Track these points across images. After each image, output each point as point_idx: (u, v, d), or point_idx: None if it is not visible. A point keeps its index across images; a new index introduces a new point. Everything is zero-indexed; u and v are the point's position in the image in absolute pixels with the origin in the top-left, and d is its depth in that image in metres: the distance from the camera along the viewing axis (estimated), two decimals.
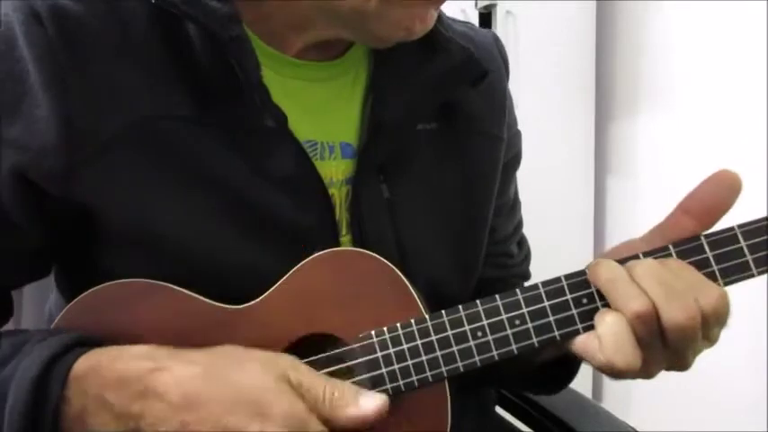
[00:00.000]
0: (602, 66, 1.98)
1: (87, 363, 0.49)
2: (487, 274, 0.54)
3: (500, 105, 0.71)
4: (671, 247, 0.51)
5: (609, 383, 2.05)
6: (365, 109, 0.63)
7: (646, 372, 0.50)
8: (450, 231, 0.66)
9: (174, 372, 0.47)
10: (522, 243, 0.81)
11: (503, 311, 0.52)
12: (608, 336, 0.48)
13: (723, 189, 0.50)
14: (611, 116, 2.01)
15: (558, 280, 0.53)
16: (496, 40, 0.75)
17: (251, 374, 0.48)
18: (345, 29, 0.57)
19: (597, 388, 2.06)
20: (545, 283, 0.53)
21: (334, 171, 0.61)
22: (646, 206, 1.90)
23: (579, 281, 0.52)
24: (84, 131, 0.52)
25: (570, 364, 0.64)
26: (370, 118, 0.62)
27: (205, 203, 0.55)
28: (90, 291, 0.55)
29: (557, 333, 0.52)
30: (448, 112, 0.66)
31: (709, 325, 0.48)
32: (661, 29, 1.83)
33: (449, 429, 0.52)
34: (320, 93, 0.62)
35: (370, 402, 0.50)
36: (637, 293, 0.48)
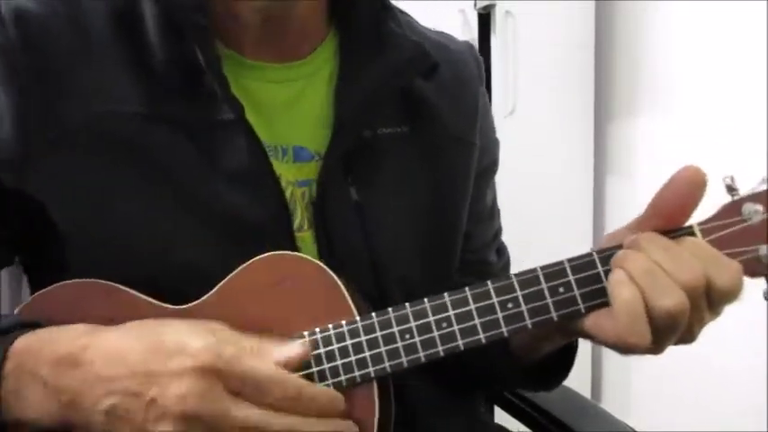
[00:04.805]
0: (601, 66, 1.98)
1: (25, 342, 0.50)
2: (465, 282, 0.54)
3: (471, 110, 0.72)
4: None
5: (608, 383, 2.05)
6: (329, 111, 0.63)
7: (655, 348, 0.50)
8: (422, 236, 0.66)
9: (100, 338, 0.49)
10: (502, 251, 0.81)
11: (430, 313, 0.53)
12: (623, 314, 0.48)
13: (686, 186, 0.50)
14: (610, 116, 2.01)
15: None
16: (471, 47, 0.77)
17: (173, 328, 0.49)
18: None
19: (596, 388, 2.06)
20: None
21: (286, 173, 0.61)
22: (645, 206, 1.89)
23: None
24: (38, 127, 0.55)
25: (567, 357, 0.64)
26: (333, 120, 0.62)
27: (158, 200, 0.57)
28: (39, 293, 0.57)
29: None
30: (418, 115, 0.67)
31: (716, 300, 0.48)
32: (660, 29, 1.84)
33: (376, 428, 0.53)
34: (277, 95, 0.63)
35: (293, 347, 0.51)
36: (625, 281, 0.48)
